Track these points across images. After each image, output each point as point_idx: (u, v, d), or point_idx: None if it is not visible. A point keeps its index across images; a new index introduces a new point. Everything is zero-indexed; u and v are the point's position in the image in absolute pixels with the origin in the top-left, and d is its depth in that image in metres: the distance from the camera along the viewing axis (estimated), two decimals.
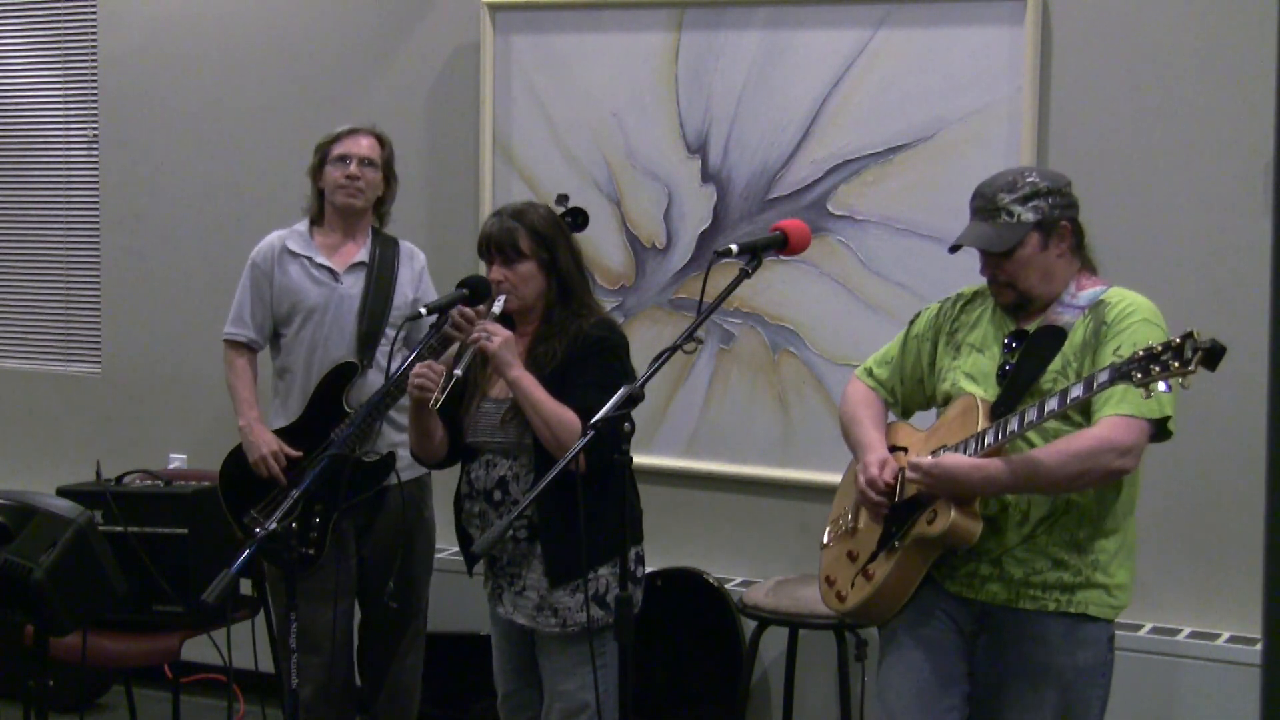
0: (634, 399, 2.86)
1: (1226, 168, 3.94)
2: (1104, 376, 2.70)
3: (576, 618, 3.34)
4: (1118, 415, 2.83)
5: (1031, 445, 2.92)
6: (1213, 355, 2.54)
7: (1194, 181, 3.98)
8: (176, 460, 5.25)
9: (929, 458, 2.93)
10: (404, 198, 4.88)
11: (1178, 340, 2.57)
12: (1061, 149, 4.10)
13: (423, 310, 3.40)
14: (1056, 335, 2.95)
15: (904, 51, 4.25)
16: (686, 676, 4.45)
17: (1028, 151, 4.06)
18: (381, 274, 4.14)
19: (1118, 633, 3.95)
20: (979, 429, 2.92)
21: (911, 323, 3.26)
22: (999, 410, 2.93)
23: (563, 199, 3.73)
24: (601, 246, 4.63)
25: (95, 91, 5.46)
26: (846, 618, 3.30)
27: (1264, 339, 1.79)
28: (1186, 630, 4.00)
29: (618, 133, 4.63)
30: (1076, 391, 2.76)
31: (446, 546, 4.48)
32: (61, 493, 4.30)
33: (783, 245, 3.11)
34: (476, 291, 3.43)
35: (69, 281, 5.60)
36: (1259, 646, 2.33)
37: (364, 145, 4.14)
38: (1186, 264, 4.00)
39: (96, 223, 5.49)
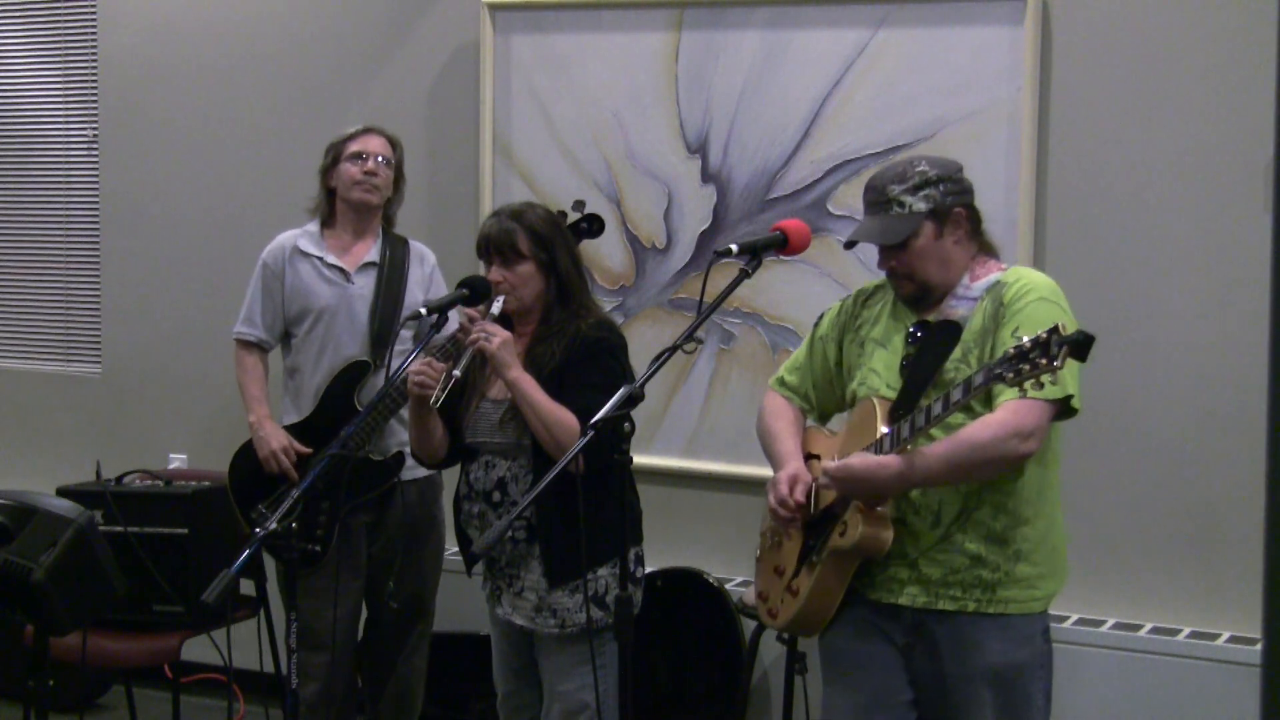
0: (634, 399, 2.86)
1: (1226, 168, 3.93)
2: (979, 379, 2.70)
3: (575, 618, 3.34)
4: (1018, 399, 2.79)
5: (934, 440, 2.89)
6: (1079, 347, 2.53)
7: (1194, 181, 3.98)
8: (176, 460, 5.25)
9: (835, 463, 2.90)
10: (404, 197, 4.88)
11: (1044, 335, 2.56)
12: (1061, 149, 4.09)
13: (423, 310, 3.40)
14: (953, 329, 2.93)
15: (904, 51, 4.25)
16: (686, 677, 4.44)
17: (1028, 151, 4.06)
18: (392, 274, 4.16)
19: (1120, 633, 3.99)
20: (878, 434, 2.89)
21: (816, 325, 3.24)
22: (899, 408, 2.90)
23: (579, 205, 3.71)
24: (601, 247, 4.62)
25: (95, 91, 5.45)
26: (781, 631, 3.29)
27: (1264, 339, 1.79)
28: (1186, 630, 4.00)
29: (618, 133, 4.63)
30: (957, 394, 2.75)
31: (446, 547, 4.48)
32: (61, 493, 4.30)
33: (783, 245, 3.10)
34: (477, 291, 3.43)
35: (69, 281, 5.60)
36: (1259, 646, 2.33)
37: (378, 144, 4.19)
38: (1186, 264, 4.00)
39: (96, 223, 5.49)
